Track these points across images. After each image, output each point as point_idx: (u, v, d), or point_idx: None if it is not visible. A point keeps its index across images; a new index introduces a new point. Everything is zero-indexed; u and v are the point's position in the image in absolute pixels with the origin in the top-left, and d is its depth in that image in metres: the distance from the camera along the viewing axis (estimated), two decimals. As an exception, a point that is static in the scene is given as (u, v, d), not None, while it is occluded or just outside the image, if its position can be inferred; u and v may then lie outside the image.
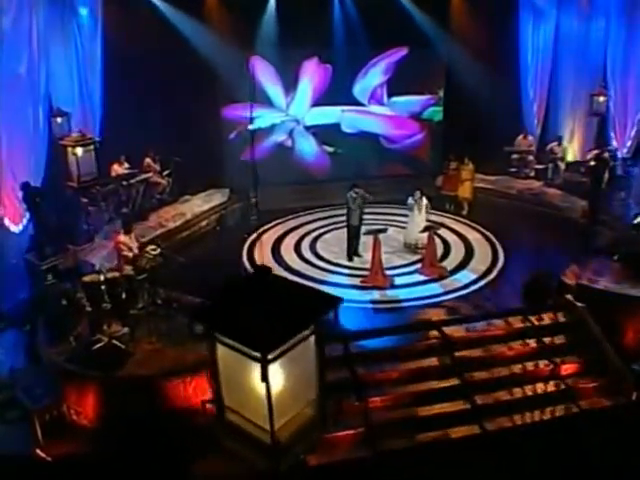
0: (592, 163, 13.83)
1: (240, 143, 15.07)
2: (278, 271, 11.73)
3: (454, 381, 8.95)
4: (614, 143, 15.23)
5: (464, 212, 14.34)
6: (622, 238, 11.69)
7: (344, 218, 13.95)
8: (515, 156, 15.54)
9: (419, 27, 14.51)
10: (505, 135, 15.86)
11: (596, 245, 11.98)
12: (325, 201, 15.04)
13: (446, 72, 15.42)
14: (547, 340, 9.61)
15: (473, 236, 13.13)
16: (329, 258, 12.26)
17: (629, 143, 15.12)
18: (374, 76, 15.14)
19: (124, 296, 8.85)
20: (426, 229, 11.54)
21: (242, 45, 13.62)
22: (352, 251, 12.10)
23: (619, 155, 14.58)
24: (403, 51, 14.91)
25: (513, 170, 15.69)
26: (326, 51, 14.40)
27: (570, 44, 15.61)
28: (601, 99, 14.25)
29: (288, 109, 15.13)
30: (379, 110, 15.50)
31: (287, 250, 12.80)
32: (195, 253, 11.97)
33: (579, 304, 10.00)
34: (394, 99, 15.46)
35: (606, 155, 13.88)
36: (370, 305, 10.45)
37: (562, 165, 14.87)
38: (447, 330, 9.52)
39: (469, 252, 12.40)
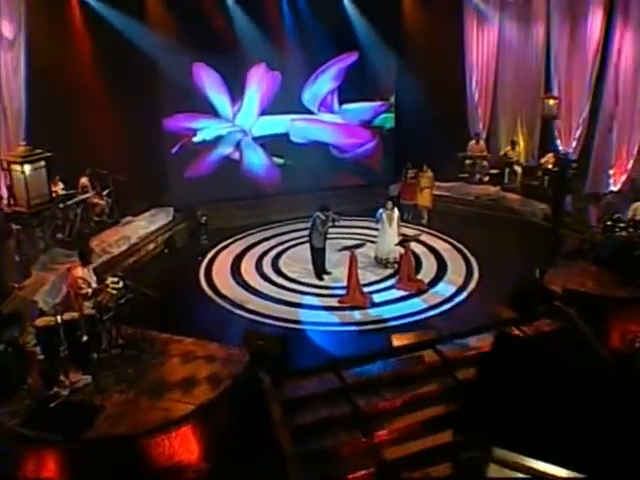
0: (550, 166, 13.85)
1: (184, 157, 13.89)
2: (243, 295, 10.71)
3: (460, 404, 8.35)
4: (559, 146, 15.36)
5: (424, 221, 13.90)
6: (592, 241, 11.64)
7: (302, 233, 13.29)
8: (468, 162, 15.34)
9: (369, 31, 13.96)
10: (454, 141, 15.68)
11: (567, 249, 11.88)
12: (278, 216, 14.19)
13: (396, 77, 15.00)
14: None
15: (441, 246, 12.67)
16: (297, 278, 11.35)
17: (574, 146, 15.28)
18: (324, 83, 14.44)
19: (84, 339, 7.52)
20: (403, 241, 10.91)
21: (185, 50, 12.46)
22: (320, 271, 11.26)
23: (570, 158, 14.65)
24: (353, 56, 14.32)
25: (465, 176, 15.49)
26: (274, 57, 13.50)
27: (513, 48, 15.66)
28: (552, 102, 14.29)
29: (235, 119, 14.09)
30: (330, 118, 14.81)
31: (248, 272, 11.75)
32: (146, 280, 10.67)
33: (570, 310, 9.73)
34: (345, 106, 14.82)
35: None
36: (354, 327, 9.65)
37: (519, 169, 14.78)
38: (442, 348, 8.96)
39: (441, 263, 11.91)
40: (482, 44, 15.83)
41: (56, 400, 7.22)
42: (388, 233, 11.36)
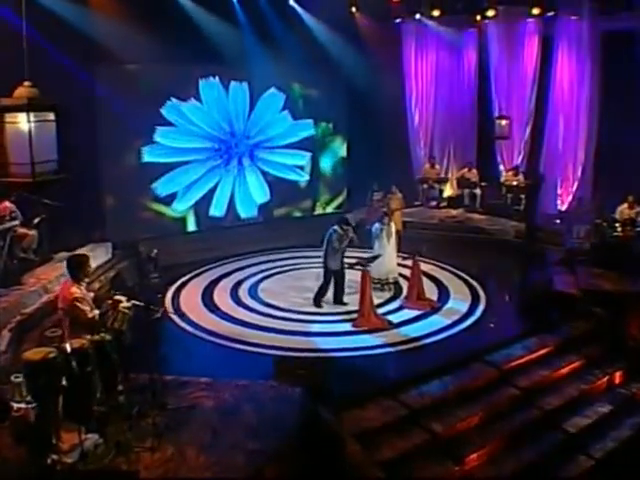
0: (514, 183, 13.74)
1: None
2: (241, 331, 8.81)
3: (535, 412, 7.30)
4: (501, 166, 15.41)
5: (394, 245, 12.86)
6: (574, 249, 11.46)
7: (269, 265, 11.78)
8: (425, 186, 14.82)
9: (322, 51, 13.19)
10: (404, 166, 15.25)
11: (557, 258, 11.53)
12: (230, 249, 12.43)
13: (348, 102, 14.30)
14: (587, 352, 8.53)
15: (428, 267, 11.67)
16: (292, 307, 9.68)
17: (517, 164, 15.35)
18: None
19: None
20: (411, 256, 9.80)
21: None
22: (320, 299, 9.65)
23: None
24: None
25: (419, 201, 14.93)
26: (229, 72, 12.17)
27: (449, 73, 15.73)
28: (503, 122, 14.39)
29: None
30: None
31: (227, 306, 9.87)
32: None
33: (596, 309, 9.19)
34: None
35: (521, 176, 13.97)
36: (391, 349, 8.21)
37: (478, 191, 14.45)
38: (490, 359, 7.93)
39: (439, 282, 10.91)
40: (421, 69, 15.74)
41: (60, 472, 4.95)
42: (387, 251, 10.11)
